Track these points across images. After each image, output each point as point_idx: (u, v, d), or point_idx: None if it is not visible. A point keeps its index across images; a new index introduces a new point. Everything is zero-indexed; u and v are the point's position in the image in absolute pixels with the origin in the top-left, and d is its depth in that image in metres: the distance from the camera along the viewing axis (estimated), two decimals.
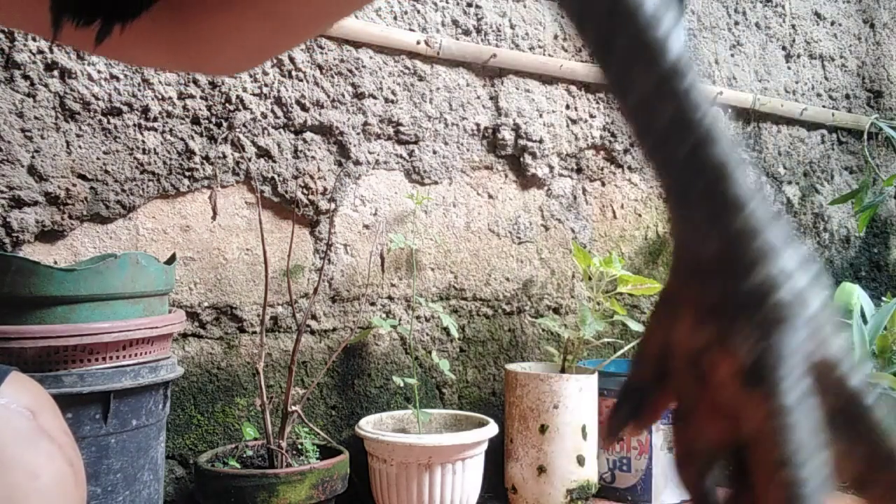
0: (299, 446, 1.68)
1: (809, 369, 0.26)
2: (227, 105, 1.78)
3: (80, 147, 1.63)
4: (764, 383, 0.26)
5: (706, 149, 0.26)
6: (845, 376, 0.27)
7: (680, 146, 0.27)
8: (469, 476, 1.74)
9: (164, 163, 1.72)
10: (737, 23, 2.65)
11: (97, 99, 1.65)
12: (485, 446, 1.78)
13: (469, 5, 2.11)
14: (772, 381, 0.25)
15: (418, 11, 2.04)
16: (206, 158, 1.76)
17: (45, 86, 1.60)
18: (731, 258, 0.27)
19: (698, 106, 0.27)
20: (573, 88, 2.27)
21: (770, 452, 0.25)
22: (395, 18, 2.00)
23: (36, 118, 1.59)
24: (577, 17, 0.29)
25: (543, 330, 2.21)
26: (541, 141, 2.20)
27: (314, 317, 1.89)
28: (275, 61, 1.84)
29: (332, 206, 1.91)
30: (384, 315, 1.98)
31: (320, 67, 1.89)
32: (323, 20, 0.55)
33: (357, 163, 1.94)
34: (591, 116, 2.30)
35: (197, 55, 0.53)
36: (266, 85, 1.83)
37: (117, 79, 1.67)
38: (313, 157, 1.89)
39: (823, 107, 2.86)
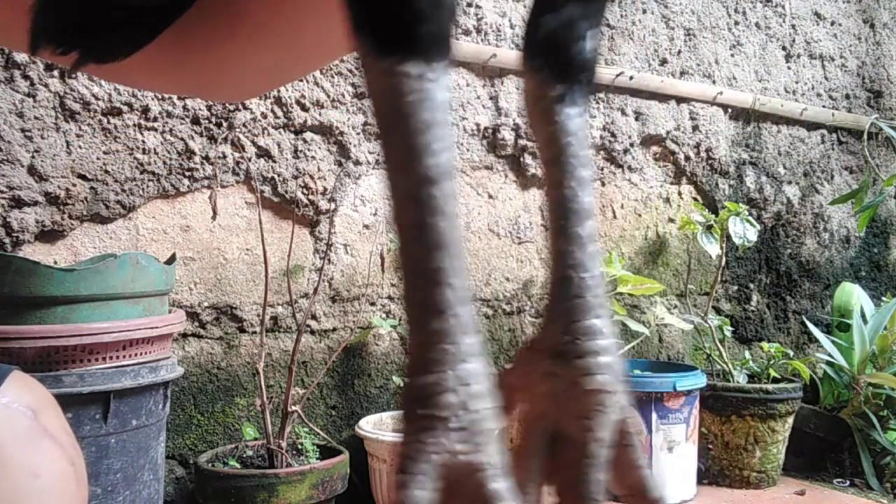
0: (299, 446, 1.68)
1: (445, 468, 0.30)
2: (227, 105, 1.78)
3: (80, 147, 1.63)
4: (401, 469, 0.30)
5: (433, 254, 0.31)
6: (483, 482, 0.30)
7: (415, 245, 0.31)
8: None
9: (164, 163, 1.72)
10: (737, 23, 2.65)
11: (97, 99, 1.65)
12: None
13: (469, 5, 2.11)
14: (404, 469, 0.29)
15: None
16: (206, 158, 1.76)
17: (45, 86, 1.60)
18: (424, 357, 0.30)
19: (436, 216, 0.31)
20: None
21: None
22: None
23: (36, 118, 1.59)
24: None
25: None
26: None
27: (314, 317, 1.89)
28: None
29: (332, 206, 1.91)
30: (384, 315, 1.98)
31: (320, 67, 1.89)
32: (332, 52, 0.55)
33: (357, 163, 1.94)
34: (591, 116, 2.30)
35: (203, 81, 0.52)
36: None
37: None
38: (313, 157, 1.89)
39: (823, 107, 2.86)
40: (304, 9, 0.47)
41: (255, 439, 1.71)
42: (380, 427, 1.83)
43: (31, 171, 1.59)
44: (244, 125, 1.80)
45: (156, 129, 1.71)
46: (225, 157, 1.78)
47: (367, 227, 1.96)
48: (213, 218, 1.69)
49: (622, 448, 0.35)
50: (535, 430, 0.35)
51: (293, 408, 1.65)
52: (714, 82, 2.58)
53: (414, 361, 0.31)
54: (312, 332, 1.89)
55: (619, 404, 0.35)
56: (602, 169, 2.34)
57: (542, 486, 0.36)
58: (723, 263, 2.31)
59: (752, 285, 2.67)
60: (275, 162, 1.84)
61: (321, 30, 0.50)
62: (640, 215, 2.42)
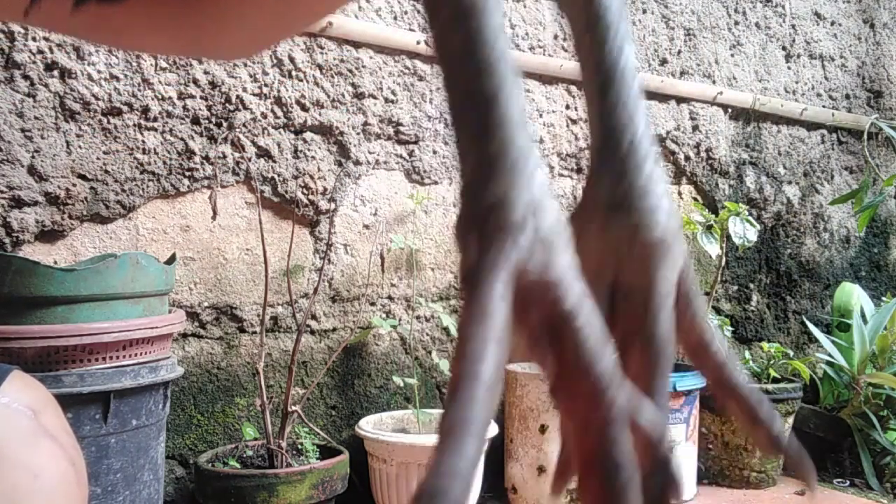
0: (299, 446, 1.68)
1: (518, 285, 0.27)
2: (227, 105, 1.78)
3: (80, 147, 1.63)
4: (469, 282, 0.27)
5: (484, 79, 0.29)
6: (559, 300, 0.28)
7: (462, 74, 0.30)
8: None
9: (164, 163, 1.72)
10: (737, 23, 2.65)
11: (97, 99, 1.65)
12: (485, 446, 1.77)
13: None
14: (473, 282, 0.27)
15: (418, 11, 2.04)
16: (206, 158, 1.76)
17: (45, 86, 1.60)
18: (487, 171, 0.29)
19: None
20: (573, 88, 2.27)
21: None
22: (395, 18, 2.00)
23: (36, 118, 1.59)
24: None
25: None
26: (541, 141, 2.20)
27: (314, 317, 1.89)
28: (275, 61, 1.84)
29: (332, 206, 1.91)
30: (384, 315, 1.98)
31: (320, 67, 1.89)
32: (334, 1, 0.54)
33: (357, 163, 1.94)
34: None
35: (201, 37, 0.52)
36: (266, 85, 1.83)
37: (117, 79, 1.67)
38: (313, 157, 1.89)
39: (823, 107, 2.86)
40: None
41: (255, 439, 1.71)
42: (380, 427, 1.83)
43: (31, 171, 1.59)
44: (244, 125, 1.80)
45: (156, 129, 1.71)
46: (225, 157, 1.78)
47: (367, 227, 1.96)
48: (213, 218, 1.69)
49: (683, 305, 0.34)
50: (593, 284, 0.34)
51: (293, 408, 1.65)
52: (714, 82, 2.58)
53: (473, 180, 0.29)
54: (312, 332, 1.89)
55: (680, 258, 0.34)
56: None
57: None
58: (723, 263, 2.31)
59: (752, 285, 2.67)
60: (275, 162, 1.84)
61: None
62: None
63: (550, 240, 0.29)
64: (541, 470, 1.84)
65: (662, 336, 0.32)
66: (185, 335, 1.75)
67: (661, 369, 0.32)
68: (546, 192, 0.29)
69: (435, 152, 2.05)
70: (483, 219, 0.28)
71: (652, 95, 2.41)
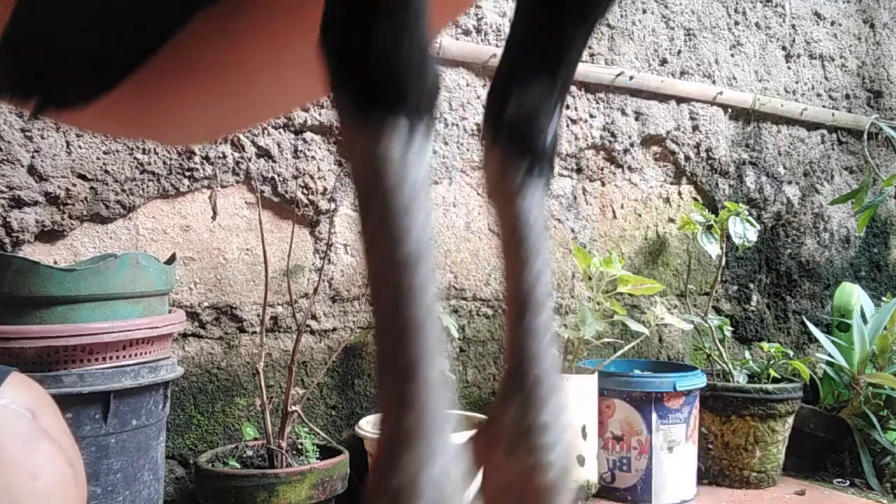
0: (299, 446, 1.68)
1: None
2: None
3: (80, 147, 1.63)
4: None
5: (408, 346, 0.30)
6: None
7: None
8: None
9: (164, 163, 1.72)
10: (737, 23, 2.65)
11: None
12: None
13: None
14: None
15: None
16: (206, 158, 1.76)
17: None
18: (396, 457, 0.29)
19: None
20: (573, 88, 2.27)
21: None
22: None
23: (36, 118, 1.59)
24: None
25: None
26: None
27: (314, 317, 1.89)
28: None
29: (332, 206, 1.91)
30: None
31: None
32: (295, 100, 0.55)
33: None
34: (591, 116, 2.31)
35: (158, 128, 0.52)
36: None
37: None
38: (313, 157, 1.89)
39: (823, 107, 2.86)
40: (264, 61, 0.47)
41: (255, 439, 1.71)
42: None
43: (31, 171, 1.59)
44: None
45: None
46: (225, 157, 1.78)
47: None
48: (213, 218, 1.69)
49: None
50: None
51: (293, 408, 1.65)
52: (714, 82, 2.58)
53: (387, 449, 0.30)
54: (312, 332, 1.89)
55: (566, 500, 0.36)
56: (602, 169, 2.34)
57: None
58: (723, 263, 2.31)
59: (752, 285, 2.67)
60: (275, 162, 1.84)
61: (281, 80, 0.50)
62: (640, 215, 2.42)
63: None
64: None
65: None
66: (185, 335, 1.75)
67: None
68: (454, 479, 0.30)
69: (435, 152, 2.05)
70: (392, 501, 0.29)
71: (652, 95, 2.41)
